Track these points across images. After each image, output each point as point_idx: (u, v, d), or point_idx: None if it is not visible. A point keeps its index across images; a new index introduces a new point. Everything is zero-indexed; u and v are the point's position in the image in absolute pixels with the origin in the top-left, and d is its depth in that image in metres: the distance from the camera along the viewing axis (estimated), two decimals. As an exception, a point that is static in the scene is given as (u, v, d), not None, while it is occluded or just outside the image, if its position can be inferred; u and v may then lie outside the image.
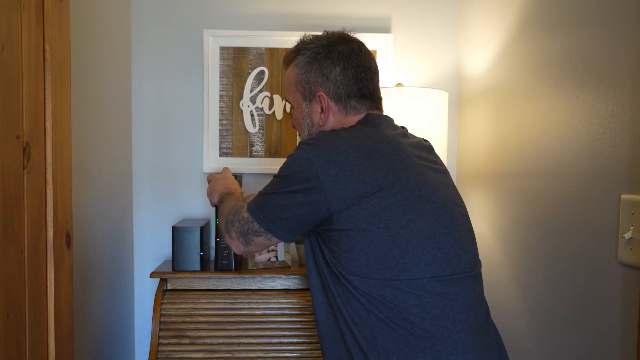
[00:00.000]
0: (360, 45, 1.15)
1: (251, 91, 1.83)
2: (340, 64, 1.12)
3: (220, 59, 1.82)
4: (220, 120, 1.84)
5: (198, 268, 1.63)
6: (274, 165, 1.84)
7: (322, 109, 1.13)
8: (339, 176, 0.95)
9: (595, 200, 1.09)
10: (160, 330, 1.55)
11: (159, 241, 1.86)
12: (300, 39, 1.18)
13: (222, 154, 1.84)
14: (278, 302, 1.59)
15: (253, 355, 1.53)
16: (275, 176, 1.05)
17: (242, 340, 1.55)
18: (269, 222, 1.03)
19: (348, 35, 1.17)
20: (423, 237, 0.95)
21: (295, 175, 0.99)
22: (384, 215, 0.94)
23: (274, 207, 1.02)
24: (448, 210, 1.01)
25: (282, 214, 1.01)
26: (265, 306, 1.59)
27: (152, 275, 1.61)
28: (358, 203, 0.95)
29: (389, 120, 1.14)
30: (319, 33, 1.18)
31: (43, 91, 1.05)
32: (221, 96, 1.83)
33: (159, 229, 1.86)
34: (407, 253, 0.94)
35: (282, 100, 1.84)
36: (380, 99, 1.17)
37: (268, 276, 1.62)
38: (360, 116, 1.13)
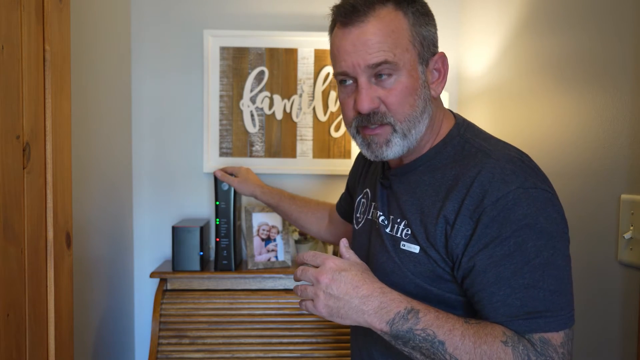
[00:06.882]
0: None
1: (251, 91, 1.83)
2: (435, 22, 0.89)
3: (220, 59, 1.82)
4: (220, 120, 1.84)
5: (198, 268, 1.63)
6: (274, 165, 1.84)
7: (440, 74, 0.88)
8: None
9: (595, 200, 1.09)
10: (160, 330, 1.55)
11: (159, 241, 1.86)
12: None
13: (222, 154, 1.84)
14: (278, 302, 1.59)
15: (253, 355, 1.53)
16: (533, 237, 0.75)
17: (242, 340, 1.55)
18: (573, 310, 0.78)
19: None
20: None
21: (564, 227, 0.79)
22: None
23: (569, 281, 0.78)
24: None
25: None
26: (265, 306, 1.59)
27: (152, 275, 1.61)
28: None
29: None
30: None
31: (43, 91, 1.05)
32: (221, 96, 1.83)
33: (159, 229, 1.86)
34: None
35: (282, 100, 1.84)
36: None
37: (268, 276, 1.62)
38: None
